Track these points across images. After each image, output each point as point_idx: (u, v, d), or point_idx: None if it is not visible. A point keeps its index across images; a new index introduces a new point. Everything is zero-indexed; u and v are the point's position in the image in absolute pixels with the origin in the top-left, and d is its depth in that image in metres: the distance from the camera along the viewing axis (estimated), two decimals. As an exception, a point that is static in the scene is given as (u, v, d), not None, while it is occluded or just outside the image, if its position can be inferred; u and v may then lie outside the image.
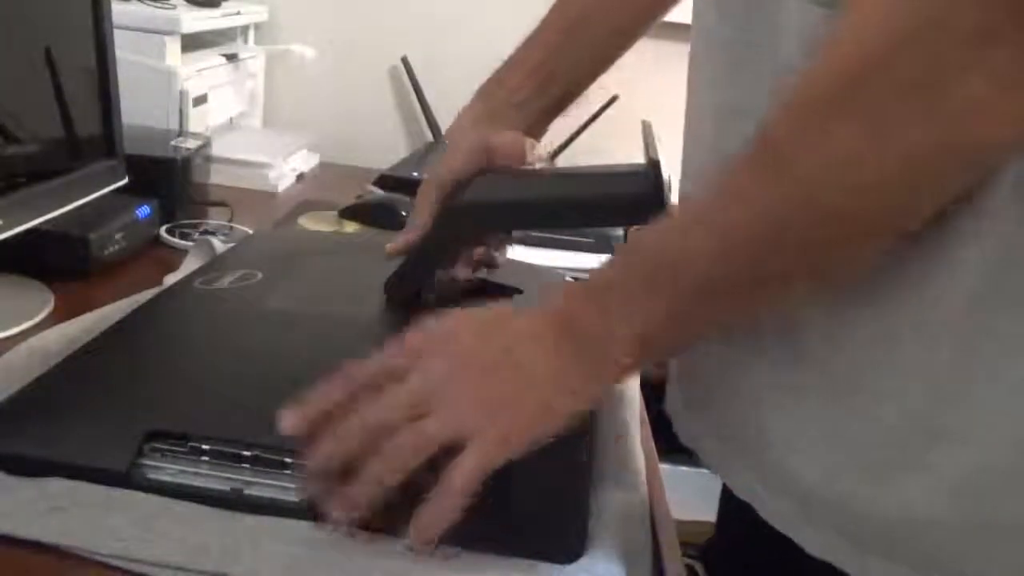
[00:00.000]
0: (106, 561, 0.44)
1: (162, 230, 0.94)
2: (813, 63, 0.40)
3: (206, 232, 0.95)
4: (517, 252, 0.95)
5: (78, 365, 0.57)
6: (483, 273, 0.73)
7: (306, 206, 1.14)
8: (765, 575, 0.57)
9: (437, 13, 1.56)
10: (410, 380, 0.46)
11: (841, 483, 0.47)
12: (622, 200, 0.59)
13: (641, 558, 0.51)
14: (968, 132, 0.37)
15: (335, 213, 1.07)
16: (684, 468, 1.33)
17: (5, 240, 0.67)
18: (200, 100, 1.24)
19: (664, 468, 0.66)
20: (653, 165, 0.57)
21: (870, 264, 0.44)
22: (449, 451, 0.44)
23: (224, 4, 1.40)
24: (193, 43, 1.28)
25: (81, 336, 0.63)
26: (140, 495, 0.48)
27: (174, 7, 1.26)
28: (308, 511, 0.47)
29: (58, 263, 0.79)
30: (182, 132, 1.15)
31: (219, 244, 0.86)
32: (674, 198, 0.58)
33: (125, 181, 0.85)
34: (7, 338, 0.66)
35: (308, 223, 1.06)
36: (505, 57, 0.70)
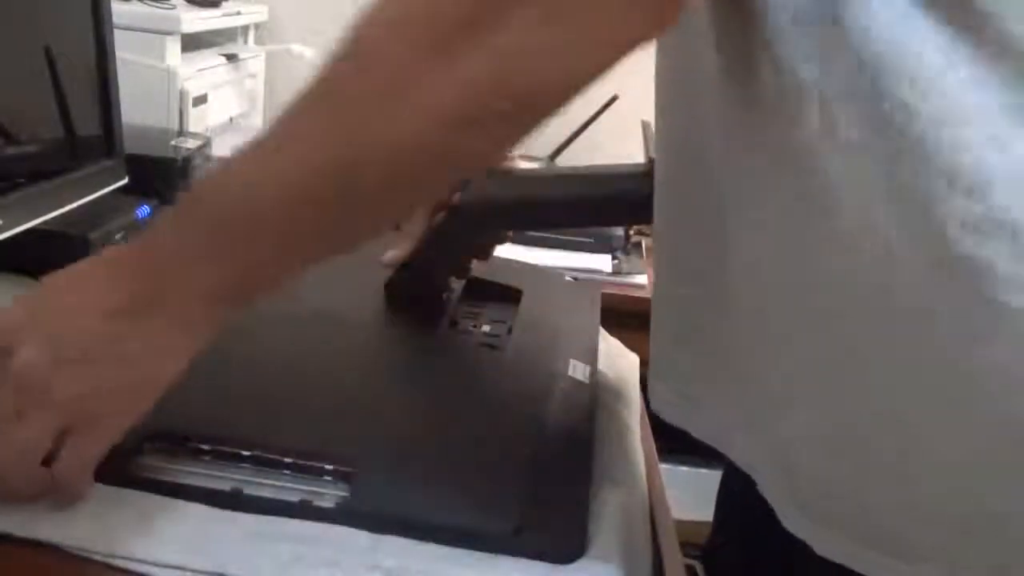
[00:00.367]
0: (106, 561, 0.44)
1: (162, 230, 0.94)
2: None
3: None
4: (517, 252, 0.95)
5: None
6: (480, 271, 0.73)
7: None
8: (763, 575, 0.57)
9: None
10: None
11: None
12: (622, 200, 0.60)
13: (641, 558, 0.51)
14: (517, 70, 0.38)
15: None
16: (684, 468, 1.33)
17: (5, 240, 0.67)
18: (200, 100, 1.24)
19: (664, 468, 0.66)
20: (653, 165, 0.57)
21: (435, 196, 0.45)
22: None
23: (224, 4, 1.40)
24: (193, 43, 1.28)
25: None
26: (140, 494, 0.48)
27: (174, 7, 1.26)
28: (308, 511, 0.47)
29: (58, 263, 0.78)
30: (182, 132, 1.15)
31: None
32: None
33: (125, 181, 0.85)
34: (7, 338, 0.66)
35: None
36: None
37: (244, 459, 0.49)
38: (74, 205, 0.76)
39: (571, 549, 0.48)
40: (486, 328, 0.70)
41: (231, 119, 1.42)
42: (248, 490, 0.48)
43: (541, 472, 0.51)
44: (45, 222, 0.72)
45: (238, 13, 1.42)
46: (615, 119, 1.31)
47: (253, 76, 1.49)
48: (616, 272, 1.11)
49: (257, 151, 0.44)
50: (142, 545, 0.44)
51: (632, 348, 0.80)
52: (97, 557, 0.44)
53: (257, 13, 1.51)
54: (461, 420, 0.55)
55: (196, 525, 0.46)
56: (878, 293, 0.40)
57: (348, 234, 0.47)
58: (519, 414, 0.58)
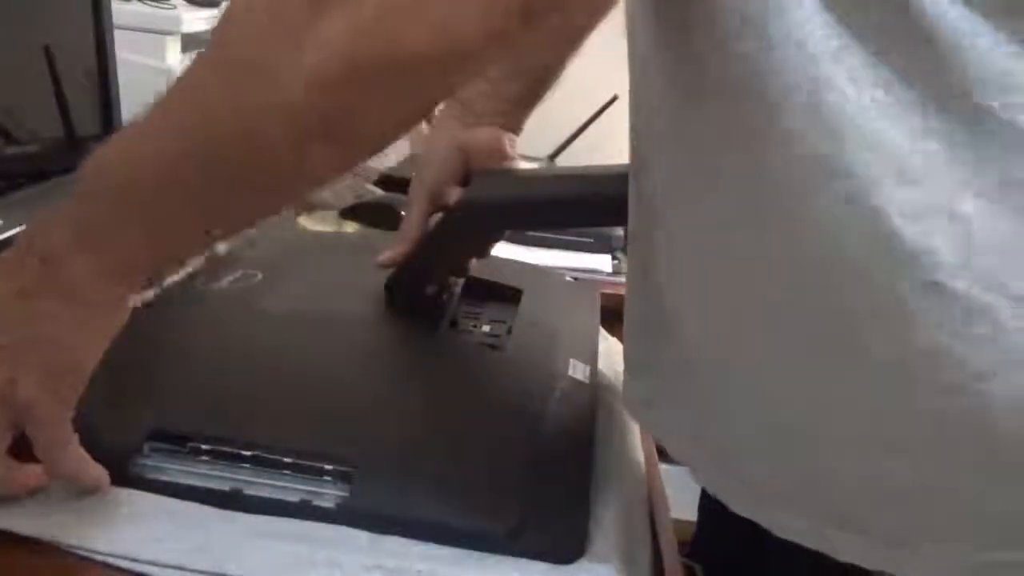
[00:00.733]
0: (106, 561, 0.44)
1: (162, 230, 0.94)
2: None
3: (206, 232, 0.94)
4: (517, 252, 0.95)
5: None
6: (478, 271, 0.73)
7: (306, 206, 1.13)
8: (742, 564, 0.57)
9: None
10: None
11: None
12: (622, 200, 0.60)
13: (641, 558, 0.51)
14: (376, 28, 0.37)
15: (335, 213, 1.07)
16: (684, 468, 1.33)
17: (5, 240, 0.67)
18: (200, 100, 1.24)
19: (664, 468, 0.66)
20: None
21: (333, 176, 0.45)
22: None
23: (224, 4, 1.40)
24: (193, 43, 1.28)
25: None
26: (140, 494, 0.48)
27: (174, 7, 1.26)
28: (308, 511, 0.47)
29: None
30: (182, 132, 1.15)
31: (219, 244, 0.86)
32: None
33: (125, 181, 0.85)
34: (7, 338, 0.66)
35: (308, 223, 1.06)
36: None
37: (244, 459, 0.49)
38: (74, 205, 0.76)
39: (571, 549, 0.48)
40: (486, 328, 0.70)
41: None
42: (248, 490, 0.48)
43: (541, 472, 0.51)
44: (45, 222, 0.72)
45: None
46: (615, 119, 1.31)
47: (253, 76, 1.49)
48: (616, 272, 1.11)
49: (137, 126, 0.44)
50: (142, 545, 0.44)
51: (632, 348, 0.80)
52: (97, 557, 0.44)
53: (257, 13, 1.51)
54: (461, 420, 0.55)
55: (196, 525, 0.46)
56: (821, 278, 0.40)
57: (237, 209, 0.46)
58: (519, 414, 0.58)
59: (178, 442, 0.50)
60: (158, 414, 0.51)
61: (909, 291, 0.38)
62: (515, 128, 0.69)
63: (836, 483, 0.43)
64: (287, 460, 0.49)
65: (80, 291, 0.44)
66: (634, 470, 0.60)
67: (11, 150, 0.72)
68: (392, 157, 1.39)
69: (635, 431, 0.65)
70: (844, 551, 0.43)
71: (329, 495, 0.48)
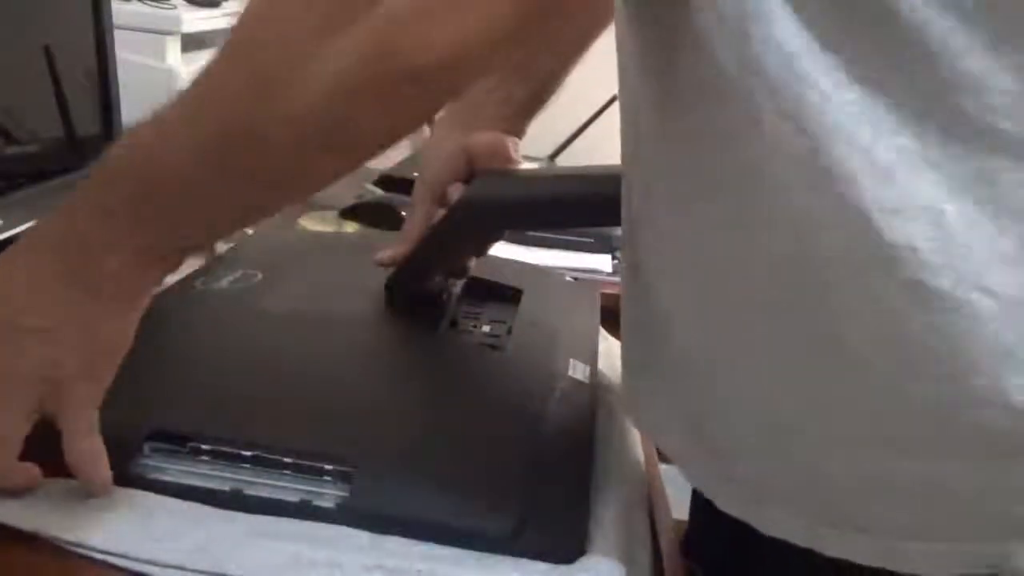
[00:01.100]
0: (106, 560, 0.44)
1: (162, 230, 0.94)
2: None
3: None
4: (517, 252, 0.95)
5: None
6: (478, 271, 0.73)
7: (306, 206, 1.13)
8: (732, 563, 0.57)
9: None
10: None
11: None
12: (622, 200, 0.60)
13: (641, 558, 0.51)
14: (399, 34, 0.38)
15: (335, 213, 1.07)
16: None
17: (5, 240, 0.67)
18: (200, 100, 1.24)
19: (664, 468, 0.66)
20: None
21: (329, 180, 0.46)
22: None
23: (224, 4, 1.40)
24: (193, 43, 1.28)
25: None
26: (140, 494, 0.48)
27: (174, 7, 1.26)
28: (308, 511, 0.47)
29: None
30: (182, 132, 1.15)
31: (219, 244, 0.86)
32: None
33: (125, 181, 0.85)
34: (7, 338, 0.66)
35: (308, 223, 1.06)
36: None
37: (244, 459, 0.49)
38: (74, 205, 0.76)
39: (571, 549, 0.48)
40: (486, 328, 0.70)
41: (231, 119, 1.42)
42: (248, 490, 0.48)
43: (541, 472, 0.51)
44: (45, 222, 0.72)
45: (238, 13, 1.43)
46: (615, 119, 1.30)
47: (253, 76, 1.49)
48: (616, 272, 1.11)
49: (160, 120, 0.45)
50: (142, 545, 0.44)
51: (632, 348, 0.80)
52: (97, 556, 0.44)
53: (257, 13, 1.51)
54: (461, 420, 0.55)
55: (196, 525, 0.46)
56: (807, 278, 0.41)
57: (253, 205, 0.48)
58: (519, 414, 0.58)
59: (178, 442, 0.50)
60: (158, 414, 0.51)
61: (895, 290, 0.38)
62: (518, 132, 0.69)
63: (830, 481, 0.43)
64: (287, 460, 0.49)
65: (113, 279, 0.46)
66: (634, 470, 0.60)
67: (11, 150, 0.72)
68: (392, 157, 1.39)
69: (635, 431, 0.65)
70: (835, 548, 0.44)
71: (329, 495, 0.48)
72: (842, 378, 0.41)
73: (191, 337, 0.64)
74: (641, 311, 0.52)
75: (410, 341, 0.68)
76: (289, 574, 0.44)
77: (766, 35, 0.38)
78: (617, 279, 1.10)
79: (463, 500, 0.48)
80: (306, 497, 0.48)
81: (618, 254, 1.16)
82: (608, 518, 0.51)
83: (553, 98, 0.71)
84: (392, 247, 0.69)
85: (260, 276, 0.72)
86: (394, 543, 0.46)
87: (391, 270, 0.70)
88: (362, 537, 0.46)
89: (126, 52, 0.90)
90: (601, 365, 0.70)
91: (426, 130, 1.66)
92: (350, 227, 1.05)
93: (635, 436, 0.65)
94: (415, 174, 0.70)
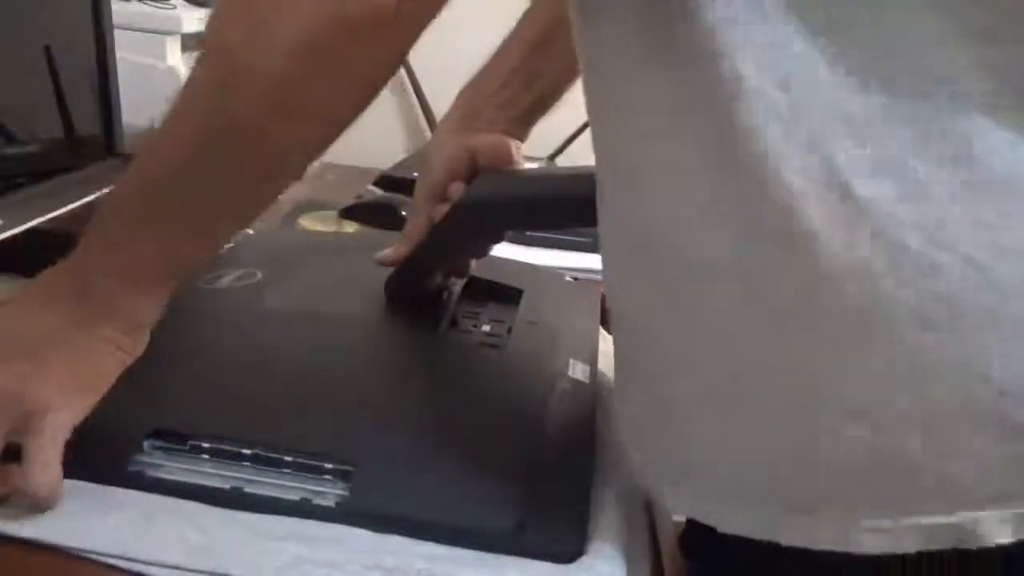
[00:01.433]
0: (105, 560, 0.44)
1: (162, 230, 0.94)
2: None
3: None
4: (517, 252, 0.95)
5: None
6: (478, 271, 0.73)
7: (306, 206, 1.13)
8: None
9: (437, 13, 1.55)
10: None
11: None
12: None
13: (641, 558, 0.51)
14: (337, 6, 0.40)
15: (335, 213, 1.07)
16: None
17: (5, 240, 0.67)
18: (200, 100, 1.24)
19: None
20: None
21: (307, 163, 0.47)
22: None
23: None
24: (193, 43, 1.28)
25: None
26: (140, 494, 0.48)
27: (174, 7, 1.26)
28: (308, 509, 0.47)
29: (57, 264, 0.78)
30: (182, 132, 1.15)
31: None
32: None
33: (125, 181, 0.85)
34: (7, 338, 0.66)
35: (308, 223, 1.06)
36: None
37: (244, 458, 0.49)
38: (74, 205, 0.76)
39: (571, 548, 0.48)
40: (486, 328, 0.70)
41: (231, 119, 1.42)
42: (248, 489, 0.48)
43: (541, 472, 0.51)
44: (45, 222, 0.72)
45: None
46: (615, 119, 1.30)
47: (253, 76, 1.49)
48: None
49: (150, 133, 0.48)
50: (142, 545, 0.44)
51: (632, 348, 0.79)
52: (96, 556, 0.44)
53: (257, 13, 1.51)
54: (461, 419, 0.55)
55: (196, 525, 0.46)
56: (781, 242, 0.40)
57: (233, 199, 0.49)
58: (519, 414, 0.58)
59: (179, 440, 0.50)
60: (159, 413, 0.51)
61: (869, 247, 0.38)
62: (520, 136, 0.69)
63: (785, 459, 0.42)
64: (288, 459, 0.49)
65: (107, 302, 0.49)
66: (634, 470, 0.60)
67: (11, 150, 0.72)
68: (392, 157, 1.39)
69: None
70: (793, 536, 0.43)
71: (329, 494, 0.48)
72: (814, 344, 0.41)
73: (191, 336, 0.64)
74: (610, 304, 0.52)
75: (410, 341, 0.68)
76: (289, 574, 0.44)
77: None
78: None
79: (463, 499, 0.48)
80: (306, 495, 0.48)
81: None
82: (608, 518, 0.51)
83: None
84: (393, 247, 0.69)
85: (260, 275, 0.72)
86: (394, 542, 0.46)
87: (391, 270, 0.70)
88: (362, 536, 0.46)
89: (126, 52, 0.90)
90: (601, 365, 0.70)
91: (427, 133, 1.67)
92: (350, 227, 1.05)
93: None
94: (415, 174, 0.70)
